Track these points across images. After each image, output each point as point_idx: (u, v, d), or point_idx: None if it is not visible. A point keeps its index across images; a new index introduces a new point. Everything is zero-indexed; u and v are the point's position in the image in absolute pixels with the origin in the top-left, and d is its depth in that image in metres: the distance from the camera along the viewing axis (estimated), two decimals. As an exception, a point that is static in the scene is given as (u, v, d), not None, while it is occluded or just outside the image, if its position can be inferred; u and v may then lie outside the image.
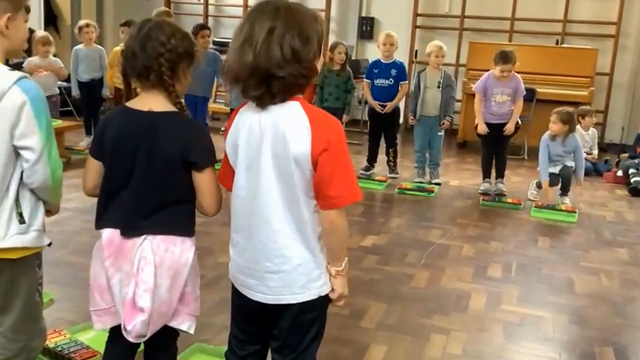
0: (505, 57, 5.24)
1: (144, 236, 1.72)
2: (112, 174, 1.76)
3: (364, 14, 9.25)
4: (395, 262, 3.67)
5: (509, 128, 5.36)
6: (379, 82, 5.82)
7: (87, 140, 6.43)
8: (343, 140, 1.60)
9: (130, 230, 1.72)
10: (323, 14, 9.10)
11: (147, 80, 1.73)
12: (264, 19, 1.53)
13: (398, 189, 5.41)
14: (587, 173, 6.56)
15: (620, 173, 6.31)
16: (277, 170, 1.58)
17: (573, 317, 3.07)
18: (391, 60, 5.84)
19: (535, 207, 5.01)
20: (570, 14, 8.35)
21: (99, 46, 6.47)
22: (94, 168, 1.81)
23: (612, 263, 3.89)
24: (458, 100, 8.20)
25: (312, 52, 1.57)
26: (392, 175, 5.90)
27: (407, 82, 5.85)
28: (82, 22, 6.36)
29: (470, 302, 3.15)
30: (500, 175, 5.57)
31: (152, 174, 1.71)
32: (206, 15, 9.73)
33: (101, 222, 1.76)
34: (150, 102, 1.75)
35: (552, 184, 5.20)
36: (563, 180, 5.29)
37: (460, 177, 6.15)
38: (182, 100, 1.79)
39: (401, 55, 7.48)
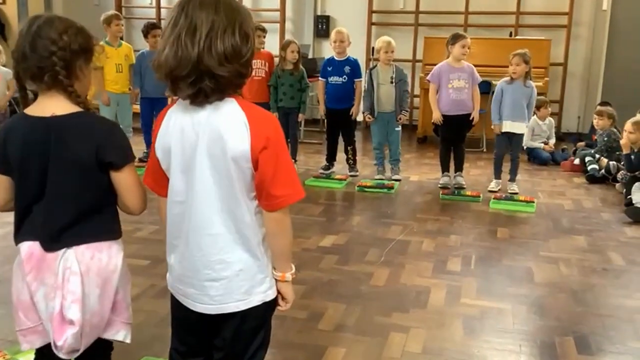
0: (461, 34, 5.29)
1: (65, 248, 1.62)
2: (23, 188, 1.64)
3: (319, 13, 9.20)
4: (355, 261, 3.61)
5: (476, 117, 5.37)
6: (333, 79, 5.76)
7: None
8: (281, 136, 1.53)
9: (50, 243, 1.61)
10: (278, 14, 9.04)
11: (41, 82, 1.60)
12: (204, 12, 1.43)
13: (358, 186, 5.36)
14: (545, 162, 6.66)
15: (577, 161, 6.38)
16: (214, 172, 1.50)
17: (533, 308, 3.05)
18: (344, 57, 5.78)
19: (494, 199, 5.01)
20: (523, 6, 8.43)
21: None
22: (1, 184, 1.68)
23: (570, 251, 3.90)
24: (416, 96, 8.25)
25: (250, 50, 1.49)
26: (351, 174, 5.85)
27: (361, 79, 5.80)
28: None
29: (429, 298, 3.11)
30: (459, 168, 5.57)
31: (66, 182, 1.60)
32: (159, 19, 9.55)
33: (19, 236, 1.65)
34: (52, 105, 1.62)
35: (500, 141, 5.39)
36: (512, 166, 5.37)
37: (421, 172, 6.13)
38: (88, 99, 1.67)
39: (359, 53, 7.46)
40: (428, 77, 5.56)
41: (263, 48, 5.93)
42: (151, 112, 6.16)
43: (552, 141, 6.97)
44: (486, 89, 6.77)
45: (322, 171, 5.88)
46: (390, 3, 8.93)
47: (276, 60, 6.04)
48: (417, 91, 8.16)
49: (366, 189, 5.31)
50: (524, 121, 5.28)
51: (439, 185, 5.47)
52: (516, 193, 5.23)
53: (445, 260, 3.65)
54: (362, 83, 5.79)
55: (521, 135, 5.34)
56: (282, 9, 9.11)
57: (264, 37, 5.90)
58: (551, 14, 8.34)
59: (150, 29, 5.90)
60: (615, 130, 6.33)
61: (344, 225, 4.33)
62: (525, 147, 6.88)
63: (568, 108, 8.55)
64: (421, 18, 8.71)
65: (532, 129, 6.84)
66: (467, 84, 5.35)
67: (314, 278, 3.31)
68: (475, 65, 5.52)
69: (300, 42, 8.81)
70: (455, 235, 4.13)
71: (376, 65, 5.75)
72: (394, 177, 5.72)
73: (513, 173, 5.41)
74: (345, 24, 8.33)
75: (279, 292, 1.64)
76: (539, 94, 7.07)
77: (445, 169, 5.58)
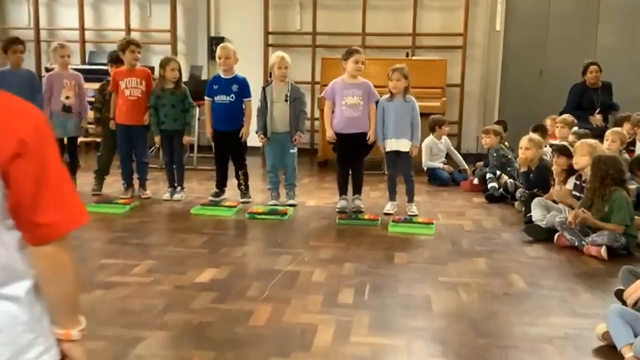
0: (355, 49, 5.03)
1: None
2: None
3: (213, 34, 8.79)
4: (234, 298, 3.16)
5: (372, 137, 5.08)
6: (219, 99, 5.34)
7: None
8: (47, 139, 1.10)
9: None
10: (168, 35, 8.56)
11: None
12: None
13: (248, 213, 4.93)
14: (445, 183, 6.49)
15: (476, 181, 6.24)
16: None
17: (431, 343, 2.71)
18: (232, 75, 5.38)
19: (392, 221, 4.72)
20: (419, 27, 8.38)
21: None
22: None
23: (470, 275, 3.63)
24: (315, 119, 7.98)
25: None
26: (243, 200, 5.41)
27: (250, 99, 5.41)
28: None
29: (315, 337, 2.70)
30: (357, 191, 5.26)
31: None
32: (38, 41, 8.82)
33: None
34: None
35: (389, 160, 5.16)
36: (407, 186, 5.16)
37: (319, 196, 5.78)
38: None
39: (255, 76, 7.07)
40: (322, 94, 5.26)
41: (137, 65, 5.42)
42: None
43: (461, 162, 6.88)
44: (384, 108, 6.55)
45: (211, 198, 5.41)
46: (287, 24, 8.66)
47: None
48: (316, 113, 7.88)
49: (257, 216, 4.88)
50: (409, 138, 5.05)
51: (336, 210, 5.13)
52: (415, 215, 4.97)
53: (336, 292, 3.27)
54: (252, 103, 5.41)
55: (407, 152, 5.09)
56: (173, 29, 8.62)
57: (139, 52, 5.41)
58: (446, 35, 8.33)
59: (10, 43, 5.28)
60: (502, 146, 6.30)
61: (227, 257, 3.87)
62: (425, 168, 6.73)
63: (466, 129, 8.52)
64: (318, 39, 8.49)
65: (430, 149, 6.69)
66: (362, 101, 5.08)
67: (182, 321, 2.84)
68: (375, 87, 5.23)
69: (193, 63, 8.47)
70: (349, 263, 3.77)
71: (271, 83, 5.39)
72: (288, 203, 5.33)
73: (409, 194, 5.16)
74: (241, 46, 7.87)
75: (64, 356, 1.18)
76: (437, 114, 7.02)
77: (342, 191, 5.26)
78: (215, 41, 8.74)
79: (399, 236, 4.48)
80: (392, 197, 5.25)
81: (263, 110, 5.28)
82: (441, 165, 6.70)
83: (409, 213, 5.02)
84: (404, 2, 8.34)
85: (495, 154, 6.10)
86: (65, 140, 5.57)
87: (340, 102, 5.08)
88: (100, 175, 5.70)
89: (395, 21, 8.39)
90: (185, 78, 7.62)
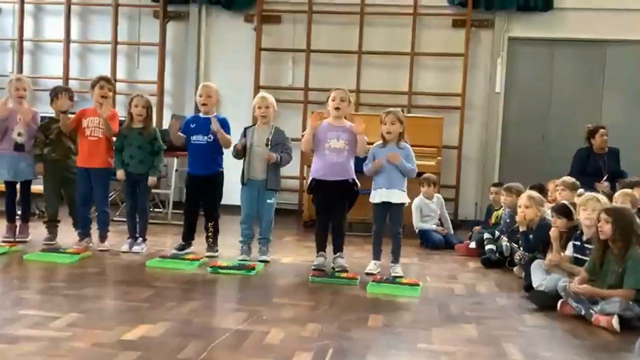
0: (336, 88, 4.64)
1: None
2: None
3: (201, 87, 8.44)
4: None
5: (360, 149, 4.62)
6: (196, 138, 4.91)
7: None
8: None
9: None
10: (155, 86, 8.23)
11: None
12: None
13: (210, 267, 4.36)
14: (438, 246, 5.93)
15: (473, 244, 5.67)
16: None
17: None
18: (211, 115, 4.96)
19: (373, 281, 4.14)
20: (415, 86, 8.04)
21: None
22: None
23: (456, 342, 3.02)
24: (304, 178, 7.52)
25: None
26: (209, 254, 4.85)
27: (231, 137, 4.95)
28: None
29: (248, 412, 2.10)
30: (338, 248, 4.69)
31: None
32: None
33: None
34: None
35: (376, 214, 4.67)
36: (393, 244, 4.60)
37: (297, 254, 5.23)
38: None
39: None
40: (303, 133, 4.80)
41: (102, 105, 4.98)
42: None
43: (448, 224, 6.32)
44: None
45: (174, 251, 4.85)
46: (279, 79, 8.34)
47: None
48: (305, 171, 7.41)
49: (220, 270, 4.31)
50: (402, 188, 4.55)
51: (312, 267, 4.56)
52: (400, 276, 4.38)
53: (289, 356, 2.67)
54: (231, 141, 4.94)
55: (399, 205, 4.57)
56: (160, 81, 8.31)
57: (109, 89, 4.99)
58: (444, 94, 7.98)
59: None
60: (518, 209, 5.73)
61: (169, 312, 3.28)
62: (416, 230, 6.18)
63: (464, 194, 8.02)
64: (311, 95, 8.13)
65: (420, 209, 6.17)
66: (348, 145, 4.60)
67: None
68: (369, 143, 4.74)
69: (181, 115, 8.08)
70: (314, 324, 3.17)
71: (254, 125, 4.95)
72: (260, 258, 4.76)
73: (395, 253, 4.60)
74: (231, 100, 7.66)
75: None
76: (432, 173, 6.53)
77: (320, 247, 4.70)
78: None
79: (378, 298, 3.89)
80: (377, 255, 4.68)
81: (241, 153, 4.85)
82: (434, 227, 6.15)
83: (392, 274, 4.44)
84: (400, 60, 8.03)
85: (509, 220, 5.43)
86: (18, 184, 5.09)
87: (322, 146, 4.61)
88: (53, 223, 5.18)
89: (390, 79, 8.06)
90: (165, 126, 7.25)
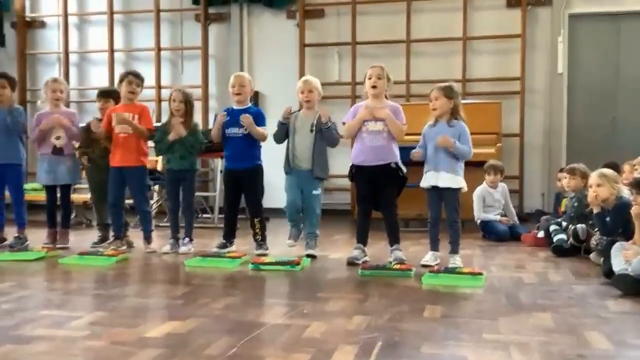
0: (373, 66, 4.30)
1: None
2: None
3: (246, 89, 8.22)
4: (186, 357, 2.24)
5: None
6: (231, 131, 4.64)
7: None
8: None
9: None
10: (200, 91, 8.06)
11: None
12: None
13: (252, 263, 4.03)
14: (503, 237, 5.45)
15: (541, 234, 5.16)
16: None
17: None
18: (245, 106, 4.68)
19: (429, 272, 3.72)
20: (469, 73, 7.57)
21: None
22: None
23: (529, 332, 2.58)
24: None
25: None
26: (259, 252, 4.54)
27: (265, 127, 4.67)
28: None
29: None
30: (394, 240, 4.30)
31: None
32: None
33: None
34: None
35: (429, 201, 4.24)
36: (450, 233, 4.16)
37: (348, 251, 4.80)
38: None
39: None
40: (343, 120, 4.44)
41: (132, 101, 4.78)
42: (1, 184, 4.90)
43: (512, 215, 5.83)
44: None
45: (215, 250, 4.57)
46: (324, 75, 7.97)
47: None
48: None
49: (262, 267, 3.98)
50: (454, 172, 4.11)
51: (347, 260, 4.18)
52: (460, 267, 3.95)
53: (331, 351, 2.30)
54: (267, 132, 4.65)
55: (454, 191, 4.15)
56: (204, 85, 8.14)
57: (137, 85, 4.77)
58: (501, 79, 7.47)
59: None
60: (587, 193, 5.17)
61: (203, 308, 2.97)
62: (478, 221, 5.71)
63: (530, 185, 7.46)
64: (358, 89, 7.74)
65: (483, 199, 5.69)
66: (386, 128, 4.22)
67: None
68: (419, 134, 4.38)
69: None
70: (360, 316, 2.79)
71: (299, 110, 4.63)
72: (306, 252, 4.42)
73: (454, 243, 4.17)
74: (277, 101, 7.39)
75: None
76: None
77: (360, 238, 4.34)
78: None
79: (436, 289, 3.48)
80: (434, 246, 4.26)
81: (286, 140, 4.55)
82: (498, 217, 5.66)
83: (451, 265, 4.01)
84: (452, 46, 7.60)
85: (576, 203, 4.88)
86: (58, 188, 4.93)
87: (361, 130, 4.25)
88: (103, 226, 5.00)
89: (442, 67, 7.60)
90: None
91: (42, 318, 2.76)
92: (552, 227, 4.92)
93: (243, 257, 4.25)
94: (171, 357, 2.21)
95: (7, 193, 4.99)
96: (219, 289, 3.46)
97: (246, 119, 4.49)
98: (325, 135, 4.45)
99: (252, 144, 4.63)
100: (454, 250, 4.16)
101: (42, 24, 8.78)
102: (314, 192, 4.53)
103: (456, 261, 4.07)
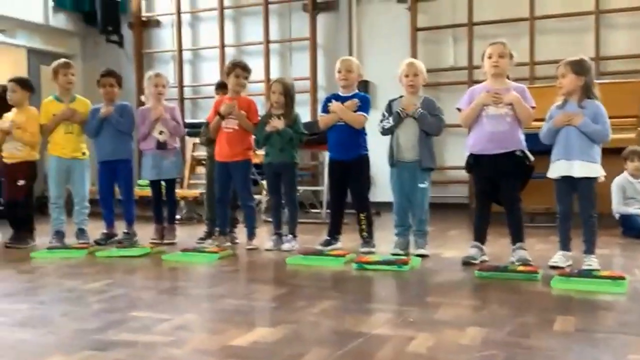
0: (495, 42, 3.80)
1: None
2: None
3: (356, 79, 7.92)
4: (268, 371, 1.97)
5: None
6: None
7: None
8: None
9: None
10: (308, 82, 7.87)
11: None
12: None
13: (356, 262, 3.71)
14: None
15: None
16: None
17: None
18: (351, 92, 4.38)
19: (560, 275, 3.21)
20: (603, 50, 6.79)
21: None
22: None
23: (692, 354, 2.06)
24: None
25: None
26: (365, 250, 4.22)
27: (366, 115, 4.34)
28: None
29: None
30: (517, 238, 3.81)
31: None
32: (181, 99, 8.63)
33: None
34: None
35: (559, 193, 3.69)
36: (584, 230, 3.57)
37: (464, 249, 4.36)
38: None
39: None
40: (458, 104, 4.00)
41: (239, 94, 4.61)
42: (111, 180, 4.92)
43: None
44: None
45: (319, 247, 4.30)
46: (438, 60, 7.54)
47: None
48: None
49: (367, 266, 3.65)
50: (589, 158, 3.55)
51: (462, 260, 3.75)
52: (597, 270, 3.40)
53: (438, 371, 1.93)
54: (366, 120, 4.33)
55: (590, 180, 3.58)
56: (313, 76, 7.93)
57: (245, 77, 4.59)
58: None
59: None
60: None
61: (297, 313, 2.69)
62: (617, 216, 5.04)
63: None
64: (475, 74, 7.21)
65: (623, 190, 5.01)
66: (510, 110, 3.73)
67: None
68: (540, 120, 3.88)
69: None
70: (476, 328, 2.39)
71: (401, 97, 4.27)
72: (416, 252, 4.04)
73: (589, 242, 3.61)
74: (387, 90, 6.93)
75: None
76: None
77: (477, 235, 3.88)
78: (358, 86, 7.88)
79: (568, 295, 2.98)
80: (564, 245, 3.72)
81: (386, 130, 4.19)
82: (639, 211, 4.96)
83: (585, 267, 3.46)
84: (582, 22, 6.87)
85: None
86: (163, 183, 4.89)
87: (480, 115, 3.79)
88: (214, 222, 4.88)
89: (571, 45, 6.82)
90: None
91: (129, 320, 2.60)
92: None
93: (347, 256, 3.93)
94: (254, 372, 1.94)
95: (116, 189, 5.02)
96: (317, 291, 3.16)
97: (336, 106, 4.22)
98: (422, 124, 4.05)
99: (356, 132, 4.33)
100: (589, 250, 3.60)
101: (157, 23, 8.97)
102: (421, 185, 4.14)
103: (592, 262, 3.51)
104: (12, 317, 2.69)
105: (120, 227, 4.99)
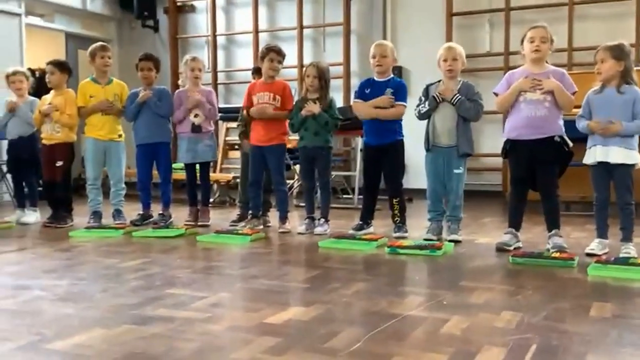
0: (535, 25, 3.76)
1: None
2: None
3: (390, 65, 7.87)
4: (303, 349, 1.98)
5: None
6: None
7: (19, 214, 5.24)
8: None
9: None
10: (342, 68, 7.85)
11: None
12: None
13: (389, 246, 3.72)
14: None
15: None
16: None
17: None
18: (387, 78, 4.36)
19: (596, 262, 3.17)
20: (642, 36, 6.62)
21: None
22: None
23: None
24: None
25: None
26: (397, 235, 4.22)
27: (405, 104, 4.32)
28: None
29: None
30: (552, 224, 3.76)
31: None
32: (215, 84, 8.68)
33: None
34: None
35: (596, 179, 3.60)
36: (622, 217, 3.53)
37: (498, 235, 4.33)
38: None
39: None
40: (495, 90, 3.95)
41: (273, 78, 4.63)
42: (149, 163, 4.99)
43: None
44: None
45: (352, 231, 4.31)
46: (474, 46, 7.44)
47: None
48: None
49: (400, 251, 3.65)
50: (627, 145, 3.48)
51: (496, 246, 3.72)
52: (634, 257, 3.34)
53: (473, 352, 1.93)
54: (404, 110, 4.31)
55: (628, 167, 3.52)
56: (346, 62, 7.91)
57: (278, 61, 4.60)
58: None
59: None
60: None
61: (330, 294, 2.71)
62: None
63: None
64: (512, 60, 7.11)
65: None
66: (549, 95, 3.68)
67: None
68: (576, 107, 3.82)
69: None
70: (511, 312, 2.38)
71: (439, 81, 4.24)
72: (449, 238, 4.02)
73: (626, 230, 3.56)
74: (421, 76, 6.91)
75: None
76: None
77: (512, 222, 3.84)
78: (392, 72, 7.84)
79: (604, 282, 2.95)
80: (601, 233, 3.67)
81: (426, 115, 4.16)
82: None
83: (621, 255, 3.41)
84: (623, 7, 6.70)
85: None
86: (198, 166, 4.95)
87: (517, 99, 3.74)
88: (247, 206, 4.92)
89: (611, 31, 6.64)
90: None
91: (166, 297, 2.65)
92: None
93: (380, 240, 3.94)
94: (285, 350, 1.96)
95: (154, 172, 5.10)
96: (351, 274, 3.18)
97: (382, 101, 4.22)
98: (459, 109, 4.02)
99: (391, 119, 4.31)
100: (627, 238, 3.55)
101: (192, 8, 9.02)
102: (456, 171, 4.11)
103: (630, 250, 3.46)
104: (53, 291, 2.77)
105: (155, 209, 5.07)
